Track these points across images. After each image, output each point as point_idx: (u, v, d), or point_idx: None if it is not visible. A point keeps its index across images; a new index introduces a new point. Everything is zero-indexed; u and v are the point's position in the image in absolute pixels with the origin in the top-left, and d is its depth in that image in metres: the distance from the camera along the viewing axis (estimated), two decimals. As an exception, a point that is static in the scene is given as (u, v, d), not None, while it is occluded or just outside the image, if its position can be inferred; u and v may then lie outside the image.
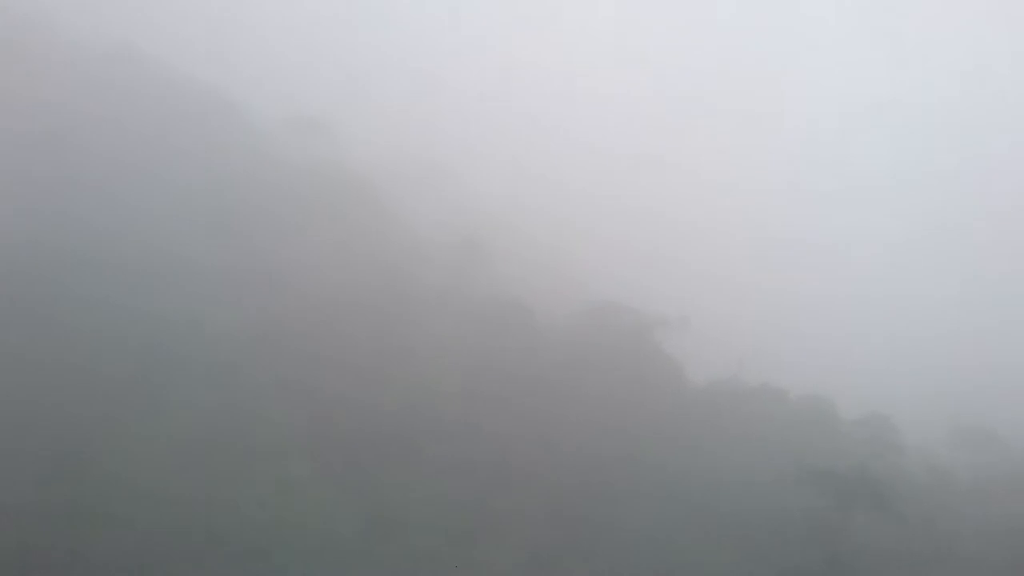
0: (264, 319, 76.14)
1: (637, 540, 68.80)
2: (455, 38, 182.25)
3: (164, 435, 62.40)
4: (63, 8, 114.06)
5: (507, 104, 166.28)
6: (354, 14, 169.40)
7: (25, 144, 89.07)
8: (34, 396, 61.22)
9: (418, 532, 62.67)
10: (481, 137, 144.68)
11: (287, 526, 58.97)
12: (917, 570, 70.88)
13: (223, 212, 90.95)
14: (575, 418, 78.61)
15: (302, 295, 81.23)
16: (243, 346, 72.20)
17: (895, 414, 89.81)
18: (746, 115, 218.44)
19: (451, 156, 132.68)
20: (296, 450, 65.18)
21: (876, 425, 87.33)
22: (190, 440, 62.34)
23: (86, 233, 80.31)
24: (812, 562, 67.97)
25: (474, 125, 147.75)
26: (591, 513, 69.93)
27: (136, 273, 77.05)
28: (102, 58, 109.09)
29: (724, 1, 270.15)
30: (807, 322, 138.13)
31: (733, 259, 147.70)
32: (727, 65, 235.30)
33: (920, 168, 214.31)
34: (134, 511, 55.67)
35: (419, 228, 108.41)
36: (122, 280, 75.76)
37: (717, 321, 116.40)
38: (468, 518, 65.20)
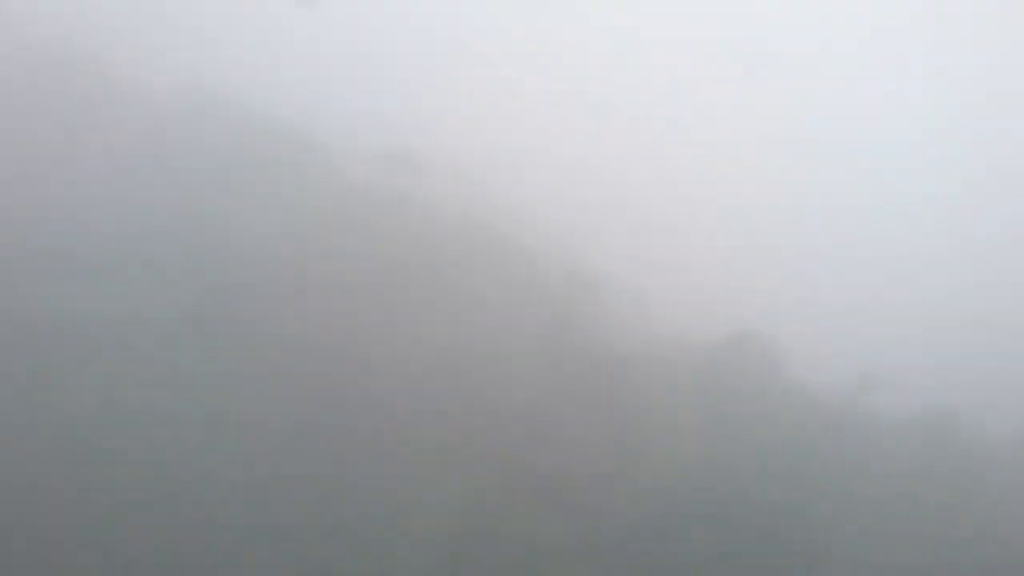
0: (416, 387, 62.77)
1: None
2: (545, 63, 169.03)
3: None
4: (127, 50, 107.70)
5: (628, 128, 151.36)
6: (438, 41, 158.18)
7: (97, 198, 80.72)
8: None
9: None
10: (595, 163, 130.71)
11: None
12: None
13: (311, 263, 79.76)
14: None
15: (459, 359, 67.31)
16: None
17: None
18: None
19: (565, 186, 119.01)
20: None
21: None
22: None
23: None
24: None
25: (587, 150, 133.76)
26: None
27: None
28: (172, 100, 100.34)
29: None
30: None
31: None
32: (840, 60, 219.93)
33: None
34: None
35: (545, 264, 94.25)
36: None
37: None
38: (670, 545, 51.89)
